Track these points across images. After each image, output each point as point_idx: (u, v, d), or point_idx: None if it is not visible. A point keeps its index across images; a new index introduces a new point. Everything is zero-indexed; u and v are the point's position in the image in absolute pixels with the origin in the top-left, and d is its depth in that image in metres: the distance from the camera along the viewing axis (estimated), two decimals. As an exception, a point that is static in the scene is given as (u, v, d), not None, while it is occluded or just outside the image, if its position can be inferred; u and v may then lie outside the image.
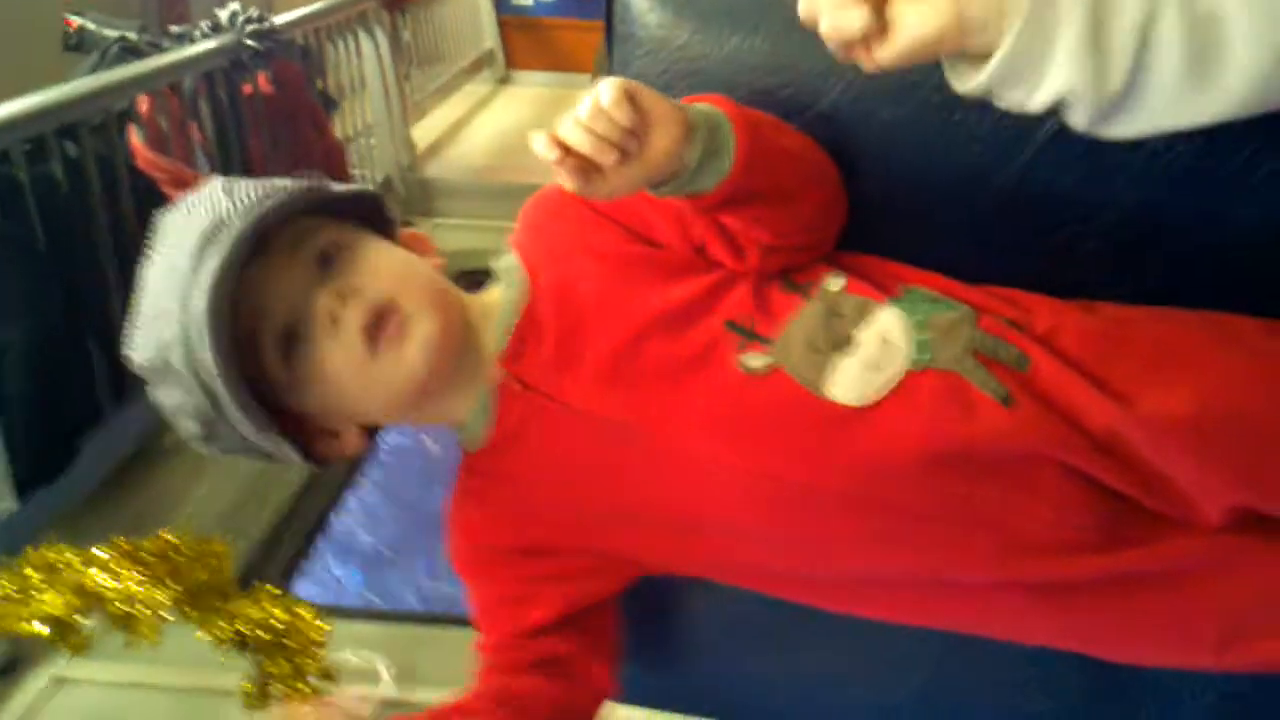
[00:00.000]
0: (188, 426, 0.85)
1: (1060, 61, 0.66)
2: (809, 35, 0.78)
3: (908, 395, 0.82)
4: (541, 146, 0.73)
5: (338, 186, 0.89)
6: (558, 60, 5.40)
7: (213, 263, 0.79)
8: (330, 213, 0.87)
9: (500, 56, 5.60)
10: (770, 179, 0.83)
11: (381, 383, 0.85)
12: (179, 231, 0.82)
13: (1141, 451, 0.79)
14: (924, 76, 0.83)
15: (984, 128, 0.81)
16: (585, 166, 0.75)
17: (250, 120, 2.58)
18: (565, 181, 0.75)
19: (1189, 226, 0.88)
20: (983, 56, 0.67)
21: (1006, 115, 0.73)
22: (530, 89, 5.42)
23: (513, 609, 0.94)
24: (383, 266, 0.86)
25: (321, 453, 0.91)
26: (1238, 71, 0.65)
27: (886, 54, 0.69)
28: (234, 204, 0.81)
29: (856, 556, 0.86)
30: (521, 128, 4.64)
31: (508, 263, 0.92)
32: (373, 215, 0.91)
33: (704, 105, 0.81)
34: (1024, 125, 0.81)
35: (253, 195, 0.83)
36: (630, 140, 0.75)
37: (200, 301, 0.79)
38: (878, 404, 0.82)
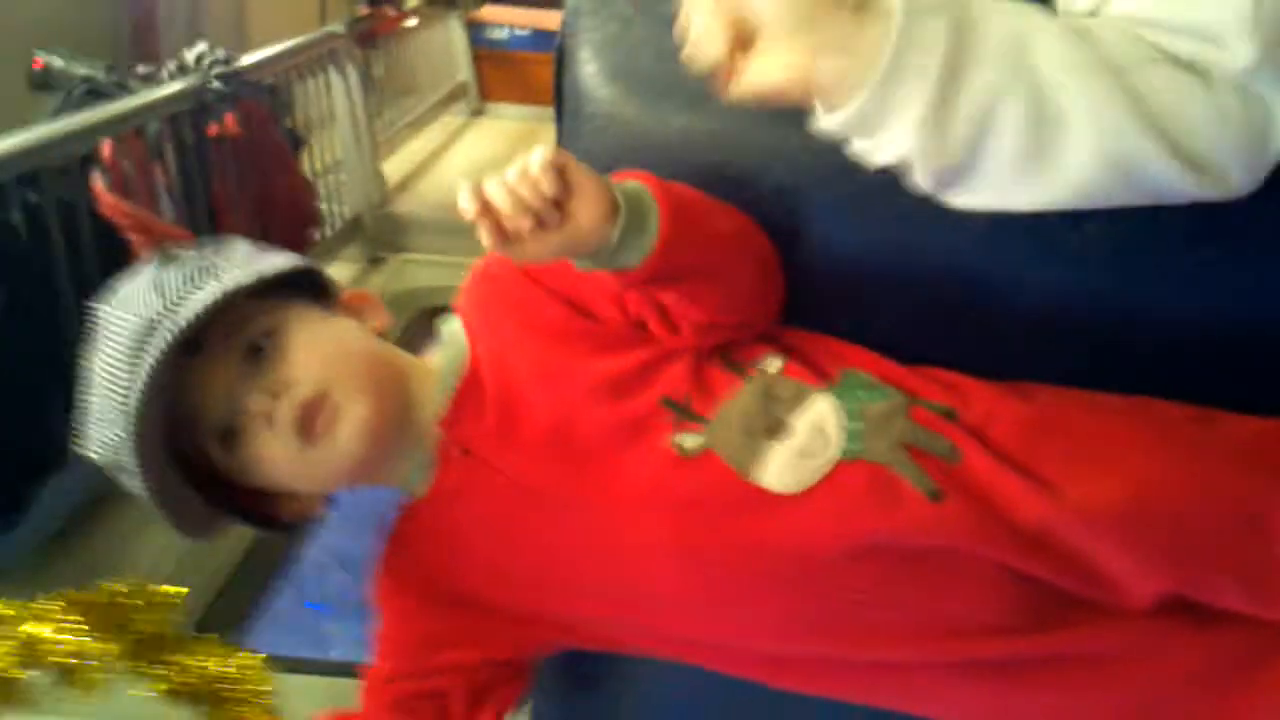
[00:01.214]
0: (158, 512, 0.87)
1: (903, 128, 0.68)
2: (754, 115, 0.79)
3: (836, 486, 0.82)
4: (464, 199, 0.75)
5: (271, 263, 0.88)
6: (531, 93, 5.41)
7: (143, 371, 0.80)
8: (267, 287, 0.87)
9: (474, 89, 5.61)
10: (698, 258, 0.84)
11: (320, 468, 0.86)
12: (114, 332, 0.83)
13: (1071, 542, 0.80)
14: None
15: (923, 210, 0.81)
16: (502, 227, 0.76)
17: (216, 162, 2.57)
18: (482, 237, 0.76)
19: (1116, 312, 0.88)
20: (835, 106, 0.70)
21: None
22: (504, 122, 5.44)
23: (418, 648, 0.95)
24: (314, 352, 0.87)
25: (286, 514, 0.93)
26: (1070, 170, 0.68)
27: (736, 91, 0.71)
28: (164, 302, 0.82)
29: (783, 636, 0.87)
30: (494, 161, 4.64)
31: (451, 328, 0.93)
32: (311, 284, 0.92)
33: (631, 183, 0.81)
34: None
35: (181, 288, 0.83)
36: (550, 210, 0.76)
37: (131, 413, 0.81)
38: (807, 492, 0.82)
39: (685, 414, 0.86)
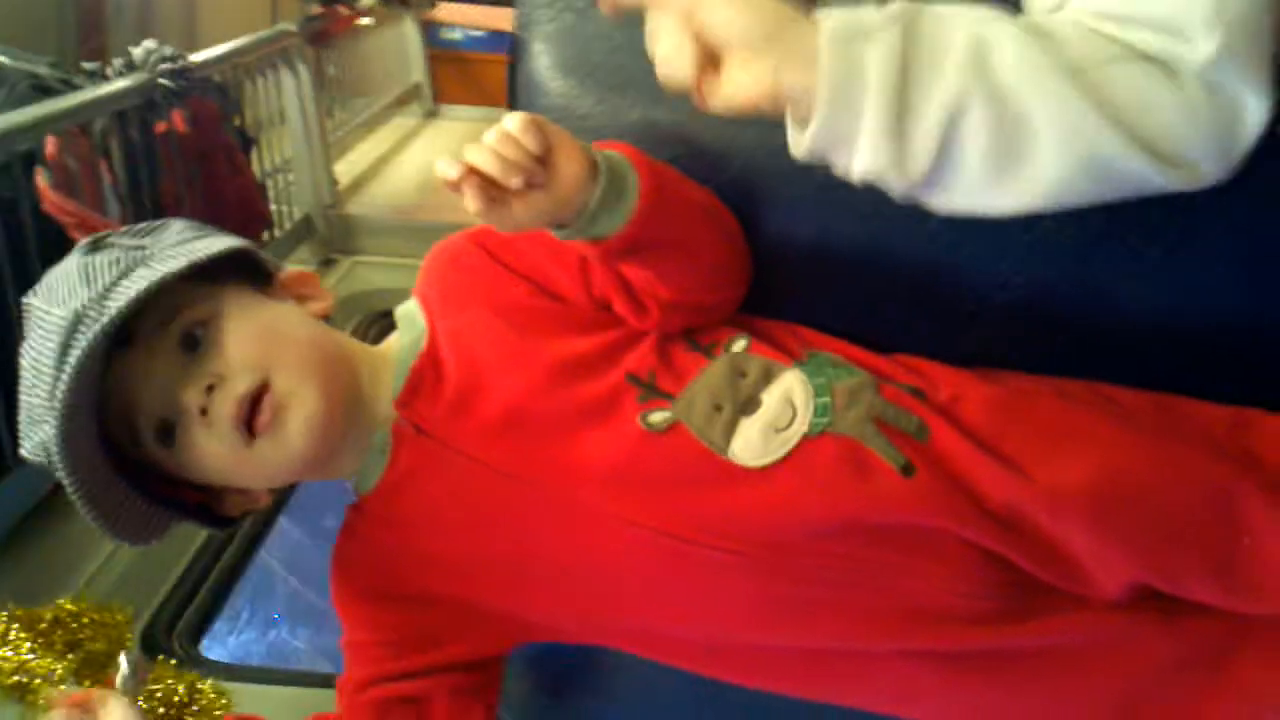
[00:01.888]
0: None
1: (862, 150, 0.69)
2: (709, 115, 0.78)
3: (806, 459, 0.82)
4: (445, 166, 0.73)
5: (205, 245, 0.85)
6: (486, 94, 5.38)
7: (69, 367, 0.77)
8: (202, 272, 0.83)
9: (428, 90, 5.56)
10: (673, 228, 0.83)
11: (265, 466, 0.84)
12: (42, 326, 0.81)
13: (1039, 524, 0.80)
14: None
15: (885, 204, 0.81)
16: (490, 190, 0.74)
17: (164, 159, 2.53)
18: (469, 203, 0.74)
19: (1080, 307, 0.89)
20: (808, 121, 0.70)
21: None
22: (458, 123, 5.39)
23: (386, 651, 0.93)
24: (252, 340, 0.83)
25: (232, 509, 0.91)
26: (1040, 172, 0.68)
27: (713, 106, 0.72)
28: (91, 292, 0.79)
29: (757, 622, 0.86)
30: (436, 174, 4.62)
31: (408, 309, 0.92)
32: (248, 266, 0.89)
33: (609, 150, 0.81)
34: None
35: (109, 277, 0.80)
36: (536, 168, 0.75)
37: (58, 410, 0.77)
38: (776, 465, 0.82)
39: (651, 391, 0.85)
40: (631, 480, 0.84)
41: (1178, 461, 0.82)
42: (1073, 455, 0.82)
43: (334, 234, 3.71)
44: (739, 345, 0.88)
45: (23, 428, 0.82)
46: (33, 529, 2.11)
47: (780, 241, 0.92)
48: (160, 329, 0.82)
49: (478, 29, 5.65)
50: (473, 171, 0.74)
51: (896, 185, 0.71)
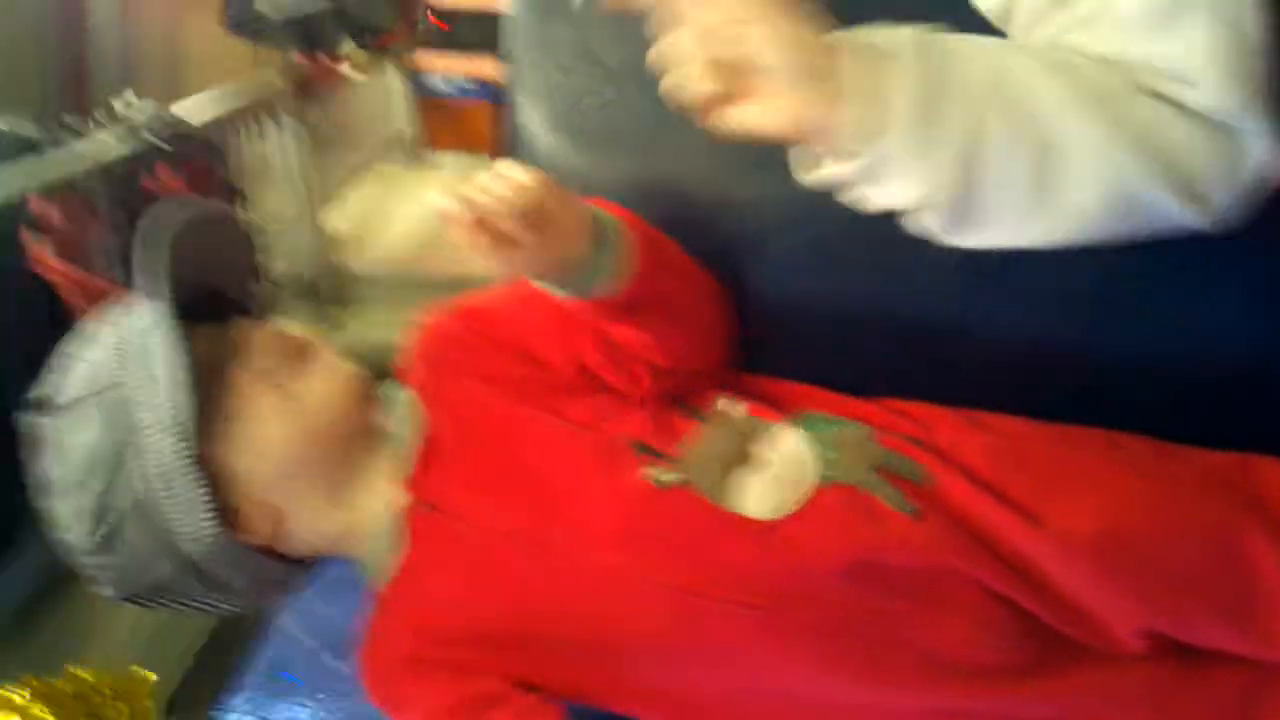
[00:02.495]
0: (82, 525, 0.84)
1: (912, 177, 0.68)
2: (703, 164, 0.78)
3: (816, 509, 0.81)
4: (447, 204, 0.74)
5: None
6: (471, 141, 5.40)
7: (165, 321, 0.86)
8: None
9: (415, 139, 5.58)
10: (669, 287, 0.84)
11: (295, 403, 0.90)
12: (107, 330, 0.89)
13: (1049, 571, 0.79)
14: (819, 206, 0.84)
15: (878, 256, 0.80)
16: (495, 233, 0.75)
17: (151, 215, 2.51)
18: (476, 248, 0.76)
19: (1073, 351, 0.89)
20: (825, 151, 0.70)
21: (898, 245, 0.74)
22: (443, 171, 5.40)
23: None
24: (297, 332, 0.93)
25: (256, 530, 0.94)
26: (1071, 201, 0.68)
27: (724, 126, 0.71)
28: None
29: (771, 676, 0.85)
30: (436, 212, 4.63)
31: (395, 394, 0.92)
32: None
33: (601, 210, 0.82)
34: (914, 255, 0.82)
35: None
36: (541, 220, 0.77)
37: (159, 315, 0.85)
38: (788, 518, 0.81)
39: (651, 452, 0.85)
40: (643, 537, 0.84)
41: (1181, 506, 0.82)
42: (1077, 501, 0.81)
43: (324, 286, 3.70)
44: (729, 406, 0.88)
45: (70, 374, 0.89)
46: (49, 598, 2.09)
47: (771, 295, 0.92)
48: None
49: (462, 77, 5.67)
50: (473, 208, 0.74)
51: (932, 216, 0.70)
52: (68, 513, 0.87)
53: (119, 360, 0.86)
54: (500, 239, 0.76)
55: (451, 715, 0.91)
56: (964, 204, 0.69)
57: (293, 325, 0.93)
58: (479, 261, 0.78)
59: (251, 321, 0.91)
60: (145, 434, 0.84)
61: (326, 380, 0.90)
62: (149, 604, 0.92)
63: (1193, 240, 0.71)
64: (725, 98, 0.69)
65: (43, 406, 0.87)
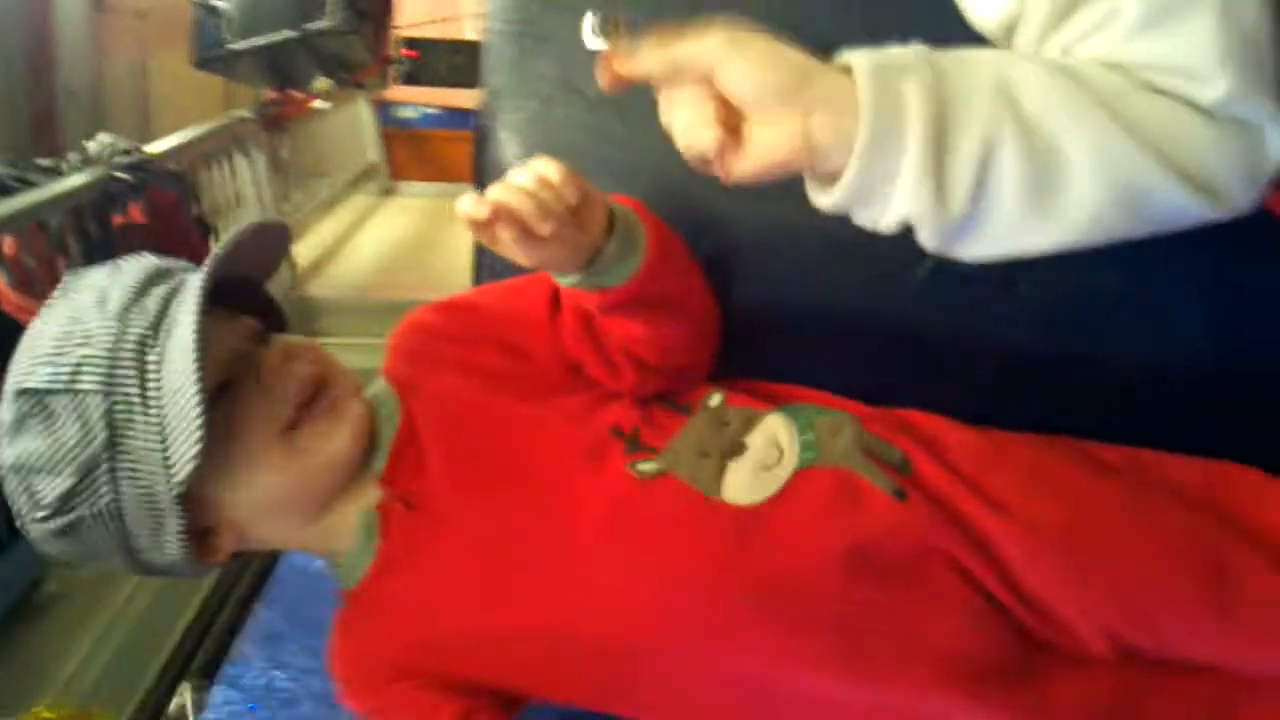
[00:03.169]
0: (49, 487, 0.80)
1: (902, 190, 0.66)
2: (683, 190, 0.78)
3: (798, 493, 0.82)
4: (471, 205, 0.73)
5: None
6: (442, 170, 5.41)
7: (160, 290, 0.81)
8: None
9: (384, 169, 5.58)
10: (673, 284, 0.85)
11: (295, 460, 0.85)
12: (101, 280, 0.84)
13: (1013, 558, 0.80)
14: (798, 225, 0.85)
15: (865, 272, 0.81)
16: (520, 228, 0.74)
17: (123, 252, 2.50)
18: (501, 239, 0.75)
19: (1056, 365, 0.90)
20: (835, 175, 0.68)
21: (890, 249, 0.74)
22: (414, 200, 5.41)
23: None
24: (313, 347, 0.88)
25: (216, 552, 0.88)
26: (1077, 204, 0.67)
27: (739, 171, 0.69)
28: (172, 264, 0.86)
29: (757, 668, 0.84)
30: (406, 240, 4.62)
31: (377, 389, 0.91)
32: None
33: (619, 204, 0.82)
34: (905, 259, 0.83)
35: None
36: (568, 216, 0.76)
37: (189, 296, 0.79)
38: (770, 503, 0.82)
39: (636, 444, 0.85)
40: (630, 528, 0.84)
41: (1153, 511, 0.83)
42: (1050, 499, 0.83)
43: (295, 315, 3.67)
44: (716, 400, 0.89)
45: (42, 358, 0.81)
46: (7, 631, 2.07)
47: (755, 310, 0.93)
48: (231, 312, 0.86)
49: (432, 107, 5.68)
50: (505, 211, 0.74)
51: (928, 232, 0.69)
52: (25, 495, 0.82)
53: (129, 368, 0.81)
54: (527, 234, 0.75)
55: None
56: (970, 210, 0.68)
57: (306, 342, 0.89)
58: (507, 253, 0.76)
59: (275, 345, 0.86)
60: (139, 460, 0.80)
61: (335, 432, 0.84)
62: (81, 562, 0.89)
63: (1165, 250, 0.72)
64: (733, 143, 0.68)
65: (33, 390, 0.82)
